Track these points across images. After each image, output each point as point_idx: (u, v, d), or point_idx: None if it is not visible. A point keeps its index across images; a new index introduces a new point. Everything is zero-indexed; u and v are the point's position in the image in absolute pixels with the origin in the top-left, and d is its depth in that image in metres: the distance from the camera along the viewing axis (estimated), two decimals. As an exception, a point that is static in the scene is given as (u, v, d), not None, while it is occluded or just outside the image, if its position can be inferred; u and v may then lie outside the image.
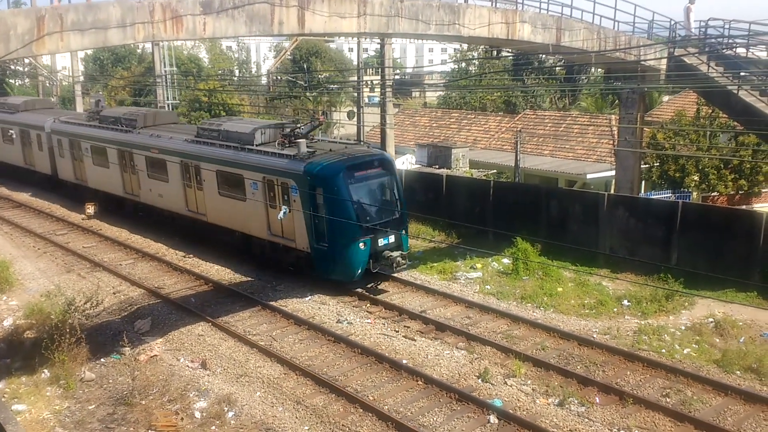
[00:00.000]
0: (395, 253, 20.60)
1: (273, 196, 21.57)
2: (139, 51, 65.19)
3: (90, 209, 31.02)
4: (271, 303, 20.39)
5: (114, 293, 21.81)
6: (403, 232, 21.42)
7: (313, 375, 15.85)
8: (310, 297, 21.04)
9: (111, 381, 16.16)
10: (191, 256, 25.34)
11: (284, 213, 21.14)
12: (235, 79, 69.06)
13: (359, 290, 21.23)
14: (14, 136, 37.74)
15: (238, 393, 15.31)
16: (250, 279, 22.88)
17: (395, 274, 21.84)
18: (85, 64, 67.07)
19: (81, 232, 29.28)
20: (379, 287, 21.55)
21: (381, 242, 20.46)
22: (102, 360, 17.16)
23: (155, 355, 17.29)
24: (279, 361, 16.74)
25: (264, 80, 55.84)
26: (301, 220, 20.65)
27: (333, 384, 15.37)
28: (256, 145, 22.55)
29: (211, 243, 25.62)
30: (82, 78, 53.56)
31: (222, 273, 23.52)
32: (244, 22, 14.89)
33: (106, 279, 23.15)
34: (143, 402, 14.98)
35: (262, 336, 18.35)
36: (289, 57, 66.80)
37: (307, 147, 21.44)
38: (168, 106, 39.01)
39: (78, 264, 24.85)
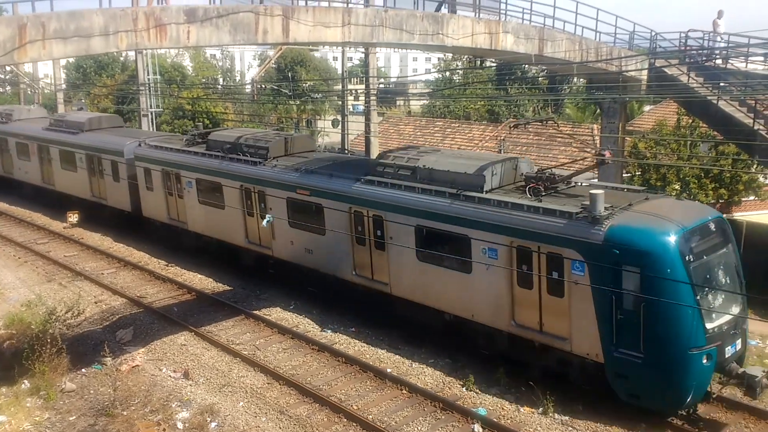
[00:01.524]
0: (755, 370, 13.65)
1: (528, 271, 15.04)
2: (122, 59, 64.89)
3: (72, 218, 30.73)
4: (255, 312, 20.30)
5: (96, 303, 21.63)
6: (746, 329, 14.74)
7: (296, 384, 15.80)
8: (294, 306, 20.96)
9: (92, 391, 16.01)
10: (174, 264, 25.19)
11: (268, 221, 20.91)
12: (220, 87, 68.90)
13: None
14: (79, 162, 30.63)
15: (221, 403, 15.22)
16: (233, 288, 22.77)
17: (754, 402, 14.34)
18: (68, 71, 66.61)
19: (63, 240, 29.01)
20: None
21: (728, 350, 13.75)
22: (83, 370, 17.00)
23: (137, 365, 17.15)
24: (262, 371, 16.67)
25: (248, 89, 55.74)
26: (585, 311, 14.04)
27: (317, 393, 15.33)
28: (487, 192, 16.13)
29: (192, 251, 25.41)
30: (64, 86, 53.18)
31: (205, 282, 23.39)
32: (228, 30, 14.87)
33: (88, 288, 22.94)
34: (125, 413, 14.85)
35: (245, 345, 18.25)
36: (274, 65, 66.77)
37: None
38: (151, 114, 38.80)
39: (59, 273, 24.62)
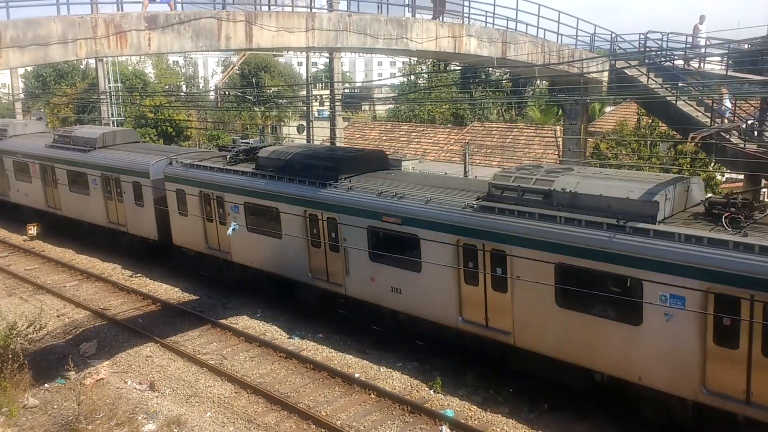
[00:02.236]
0: None
1: (732, 324, 11.90)
2: (82, 67, 63.86)
3: (32, 230, 30.11)
4: (221, 321, 20.10)
5: (58, 316, 21.21)
6: None
7: (264, 392, 15.67)
8: (261, 313, 20.80)
9: (56, 406, 15.68)
10: (139, 275, 24.82)
11: (233, 229, 20.70)
12: (183, 94, 68.21)
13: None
14: (92, 183, 27.13)
15: (188, 414, 15.02)
16: (199, 297, 22.53)
17: None
18: (26, 80, 65.33)
19: (23, 254, 28.40)
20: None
21: None
22: (46, 385, 16.64)
23: (102, 379, 16.85)
24: (230, 380, 16.50)
25: (212, 95, 55.37)
26: None
27: (285, 401, 15.22)
28: (660, 222, 13.05)
29: (160, 261, 25.04)
30: (22, 95, 52.13)
31: (171, 292, 23.09)
32: (191, 37, 14.74)
33: (50, 302, 22.47)
34: (89, 427, 14.56)
35: (212, 355, 18.06)
36: (238, 71, 66.36)
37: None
38: (113, 123, 38.23)
39: (20, 287, 24.08)
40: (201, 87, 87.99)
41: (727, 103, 21.62)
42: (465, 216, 15.35)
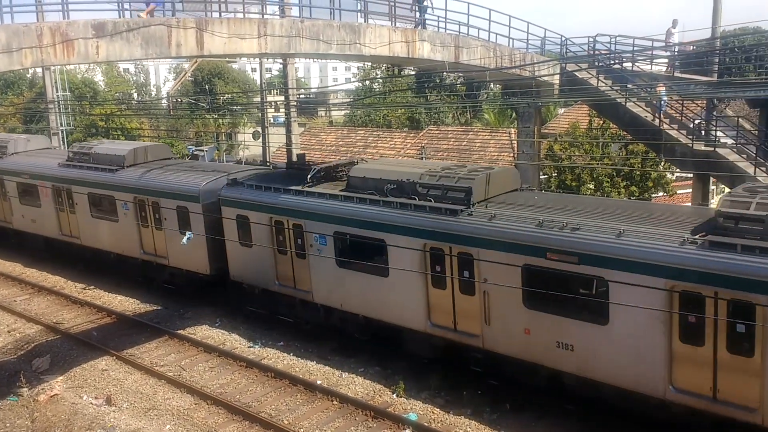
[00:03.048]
0: None
1: None
2: (29, 75, 62.38)
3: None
4: (179, 332, 19.80)
5: (9, 332, 20.64)
6: None
7: (225, 403, 15.48)
8: (220, 323, 20.56)
9: (8, 425, 15.23)
10: (92, 287, 24.29)
11: (188, 238, 20.11)
12: (134, 102, 67.12)
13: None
14: (122, 208, 23.14)
15: (146, 427, 14.75)
16: (156, 308, 22.14)
17: None
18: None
19: (-31, 269, 27.52)
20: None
21: None
22: (-3, 403, 16.16)
23: (56, 395, 16.43)
24: (189, 391, 16.26)
25: (164, 103, 54.56)
26: None
27: (246, 411, 15.06)
28: None
29: (113, 272, 24.53)
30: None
31: (126, 303, 22.65)
32: (140, 44, 14.50)
33: (0, 317, 21.83)
34: (44, 445, 14.20)
35: (170, 366, 17.77)
36: (190, 78, 65.59)
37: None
38: (62, 132, 37.39)
39: (-33, 303, 23.36)
40: (153, 95, 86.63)
41: (664, 98, 22.29)
42: (687, 255, 12.06)
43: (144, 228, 22.59)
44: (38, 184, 26.29)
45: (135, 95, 79.65)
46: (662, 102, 22.10)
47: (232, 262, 20.17)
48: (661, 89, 22.15)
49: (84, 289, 24.30)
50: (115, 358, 18.39)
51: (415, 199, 15.92)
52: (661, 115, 21.83)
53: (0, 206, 28.92)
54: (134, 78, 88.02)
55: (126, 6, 15.28)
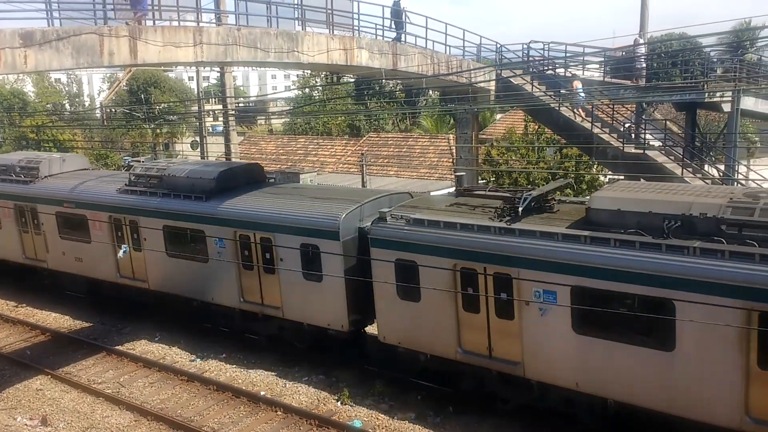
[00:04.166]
0: None
1: None
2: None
3: None
4: (117, 347, 19.32)
5: (-65, 354, 19.74)
6: None
7: (166, 418, 15.16)
8: (159, 337, 20.13)
9: (-65, 451, 14.59)
10: (24, 305, 23.45)
11: (124, 251, 19.45)
12: (67, 113, 65.26)
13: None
14: (215, 246, 18.40)
15: (84, 447, 14.33)
16: (92, 324, 21.54)
17: None
18: None
19: None
20: None
21: None
22: (-77, 429, 15.44)
23: (-13, 417, 15.81)
24: (128, 408, 15.86)
25: (98, 113, 53.23)
26: None
27: (188, 426, 14.79)
28: None
29: (46, 289, 23.73)
30: None
31: (61, 320, 21.97)
32: (71, 54, 14.14)
33: (-75, 338, 20.91)
34: (-25, 470, 13.64)
35: (108, 383, 17.30)
36: (125, 88, 64.17)
37: None
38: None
39: None
40: (87, 105, 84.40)
41: (581, 93, 23.06)
42: None
43: (247, 271, 17.98)
44: (86, 214, 21.29)
45: (67, 106, 77.40)
46: (579, 97, 22.86)
47: (386, 319, 15.60)
48: (578, 84, 22.91)
49: (16, 306, 23.45)
50: (50, 376, 17.80)
51: (722, 242, 11.36)
52: (579, 110, 22.55)
53: (34, 241, 23.64)
54: (66, 88, 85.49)
55: (55, 15, 14.95)
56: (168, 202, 19.43)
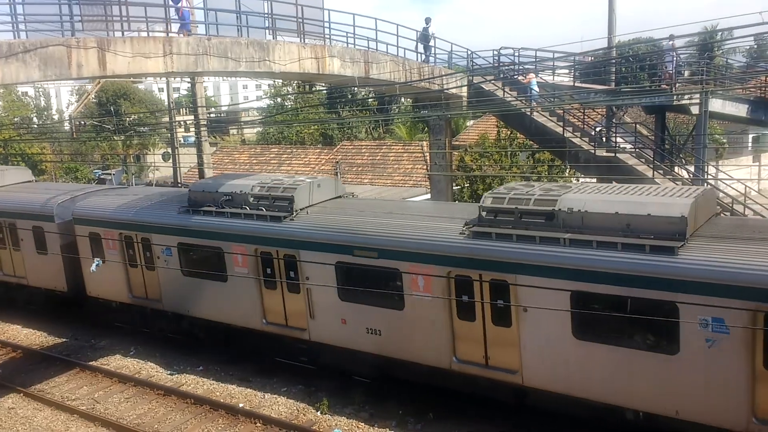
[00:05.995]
0: None
1: None
2: None
3: None
4: (91, 363, 19.00)
5: None
6: None
7: (143, 434, 14.94)
8: (134, 351, 19.84)
9: None
10: (-6, 322, 23.01)
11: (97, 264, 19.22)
12: (35, 126, 64.28)
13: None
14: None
15: (59, 466, 14.05)
16: (65, 340, 21.18)
17: None
18: None
19: None
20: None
21: None
22: None
23: (-43, 438, 15.45)
24: (104, 424, 15.60)
25: (67, 126, 52.51)
26: None
27: (166, 440, 14.58)
28: None
29: (14, 304, 23.25)
30: None
31: (33, 337, 21.57)
32: (38, 66, 13.93)
33: None
34: (-55, 493, 13.30)
35: (83, 400, 17.00)
36: (94, 100, 63.42)
37: None
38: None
39: None
40: (56, 118, 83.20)
41: (535, 88, 23.39)
42: None
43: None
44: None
45: (35, 119, 76.26)
46: (532, 91, 23.17)
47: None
48: (531, 77, 23.20)
49: (-15, 324, 23.01)
50: (22, 395, 17.45)
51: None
52: (534, 104, 22.85)
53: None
54: (34, 101, 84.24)
55: (21, 27, 14.74)
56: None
